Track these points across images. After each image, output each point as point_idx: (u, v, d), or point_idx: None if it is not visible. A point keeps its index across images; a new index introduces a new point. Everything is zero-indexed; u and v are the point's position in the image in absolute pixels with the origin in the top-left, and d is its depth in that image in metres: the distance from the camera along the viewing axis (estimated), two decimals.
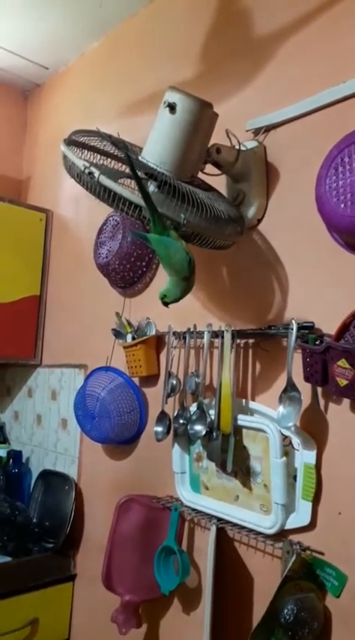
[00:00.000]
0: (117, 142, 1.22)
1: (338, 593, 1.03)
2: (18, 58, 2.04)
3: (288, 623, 0.98)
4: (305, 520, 1.08)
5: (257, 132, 1.28)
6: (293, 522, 1.09)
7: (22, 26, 1.86)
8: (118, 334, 1.56)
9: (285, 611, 0.99)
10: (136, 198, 1.05)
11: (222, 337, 1.22)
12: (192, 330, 1.32)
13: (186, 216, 1.06)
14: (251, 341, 1.24)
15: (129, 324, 1.56)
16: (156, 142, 1.14)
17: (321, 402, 1.09)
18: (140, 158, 1.15)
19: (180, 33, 1.59)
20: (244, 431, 1.20)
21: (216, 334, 1.25)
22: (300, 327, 1.09)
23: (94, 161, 1.16)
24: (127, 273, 1.55)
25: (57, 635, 1.65)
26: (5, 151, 2.25)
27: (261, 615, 1.00)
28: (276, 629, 1.00)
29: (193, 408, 1.28)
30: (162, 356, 1.47)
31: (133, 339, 1.50)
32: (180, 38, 1.59)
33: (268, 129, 1.26)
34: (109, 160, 1.21)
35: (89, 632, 1.63)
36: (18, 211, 1.97)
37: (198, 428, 1.24)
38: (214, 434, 1.20)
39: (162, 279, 1.52)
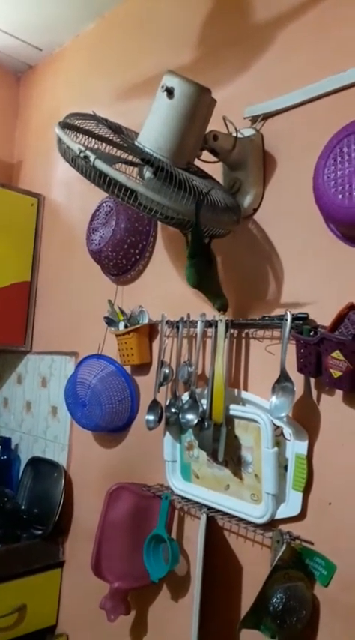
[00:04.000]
0: (113, 126, 1.20)
1: (327, 583, 1.04)
2: (11, 39, 1.99)
3: (277, 611, 0.99)
4: (296, 510, 1.08)
5: (254, 120, 1.27)
6: (283, 512, 1.10)
7: (15, 6, 1.81)
8: (110, 322, 1.55)
9: (274, 599, 1.00)
10: (132, 183, 1.04)
11: (216, 327, 1.21)
12: (185, 319, 1.32)
13: (183, 202, 1.05)
14: (244, 331, 1.23)
15: (122, 312, 1.54)
16: (153, 127, 1.12)
17: (314, 393, 1.10)
18: (136, 143, 1.13)
19: (177, 17, 1.56)
20: (236, 421, 1.20)
21: (210, 324, 1.25)
22: (295, 318, 1.08)
23: (89, 145, 1.14)
24: (120, 261, 1.54)
25: (44, 621, 1.65)
26: None
27: (250, 603, 1.01)
28: (265, 617, 1.01)
29: (185, 397, 1.27)
30: (155, 345, 1.46)
31: (126, 327, 1.48)
32: (177, 22, 1.56)
33: (266, 117, 1.25)
34: (104, 144, 1.19)
35: (77, 618, 1.63)
36: (9, 195, 1.94)
37: (190, 417, 1.24)
38: (206, 423, 1.20)
39: (155, 268, 1.52)
